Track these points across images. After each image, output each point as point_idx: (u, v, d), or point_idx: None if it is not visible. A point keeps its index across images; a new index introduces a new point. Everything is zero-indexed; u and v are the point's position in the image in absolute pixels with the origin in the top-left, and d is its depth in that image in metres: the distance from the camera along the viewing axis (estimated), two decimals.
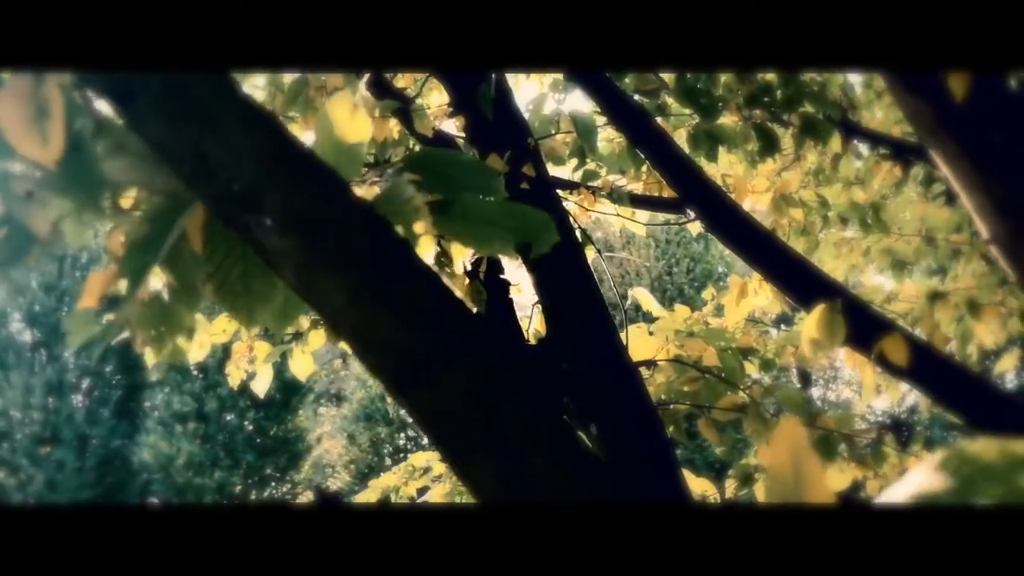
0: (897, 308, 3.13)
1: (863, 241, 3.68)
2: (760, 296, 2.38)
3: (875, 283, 4.08)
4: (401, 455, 12.85)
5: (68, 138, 0.72)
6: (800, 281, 1.90)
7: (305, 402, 14.50)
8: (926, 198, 3.60)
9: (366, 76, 2.28)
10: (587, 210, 2.56)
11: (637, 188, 3.01)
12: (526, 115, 2.67)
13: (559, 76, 2.73)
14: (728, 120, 2.77)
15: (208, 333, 2.29)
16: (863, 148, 3.82)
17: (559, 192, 2.59)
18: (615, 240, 14.47)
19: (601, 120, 2.61)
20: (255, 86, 3.08)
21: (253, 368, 2.41)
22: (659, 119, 2.82)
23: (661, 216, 3.06)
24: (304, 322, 2.29)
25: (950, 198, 3.42)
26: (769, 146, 2.72)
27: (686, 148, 2.71)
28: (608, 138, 3.15)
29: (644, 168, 2.95)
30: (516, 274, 2.43)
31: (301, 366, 2.37)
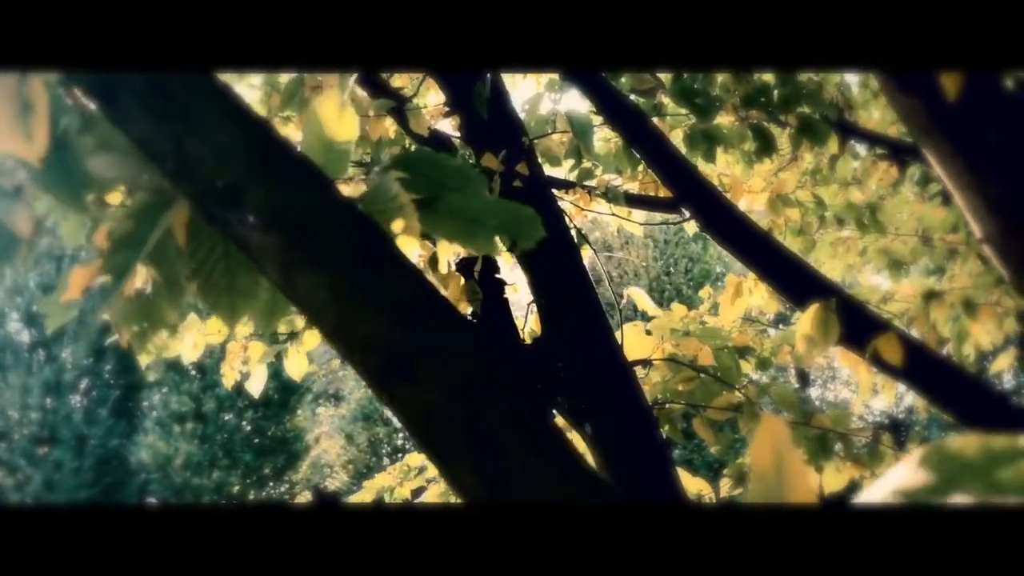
0: (893, 308, 3.13)
1: (860, 241, 3.68)
2: (755, 295, 2.38)
3: (872, 283, 4.09)
4: (399, 455, 12.85)
5: (53, 135, 0.72)
6: (795, 281, 1.90)
7: (303, 402, 14.50)
8: (923, 198, 3.60)
9: (354, 75, 2.28)
10: (583, 210, 2.56)
11: (633, 188, 3.01)
12: (522, 115, 2.67)
13: (555, 76, 2.73)
14: (725, 120, 2.77)
15: (203, 333, 2.28)
16: (860, 148, 3.82)
17: (555, 192, 2.59)
18: (613, 240, 14.47)
19: (598, 120, 2.61)
20: (251, 85, 3.08)
21: (248, 368, 2.41)
22: (655, 119, 2.82)
23: (658, 216, 3.06)
24: (299, 322, 2.29)
25: (946, 198, 3.42)
26: (766, 146, 2.72)
27: (682, 148, 2.71)
28: (605, 138, 3.15)
29: (640, 168, 2.95)
30: (512, 274, 2.44)
31: (296, 366, 2.36)
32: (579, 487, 0.52)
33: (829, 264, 3.93)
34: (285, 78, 2.71)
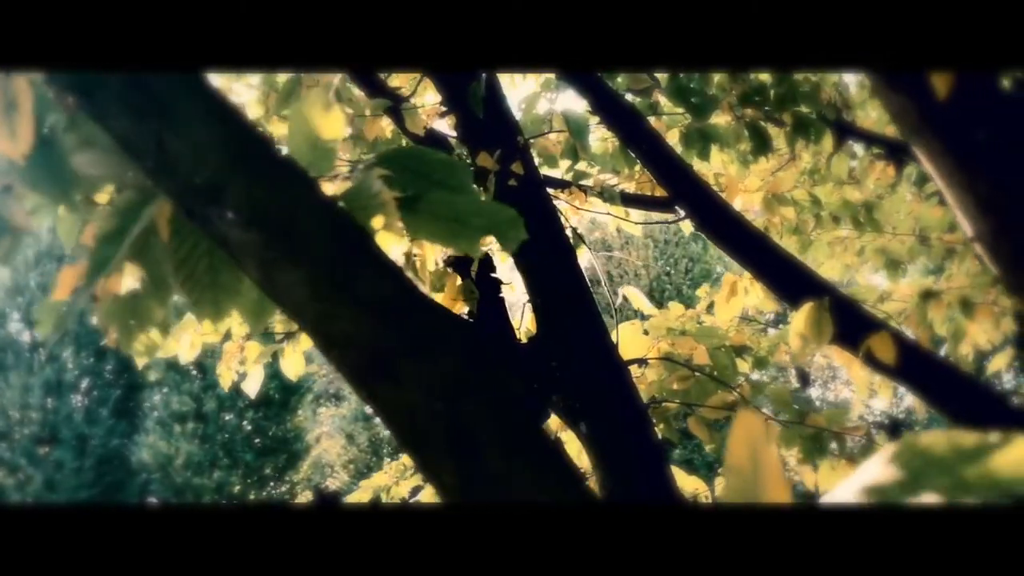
0: (890, 308, 3.13)
1: (857, 241, 3.68)
2: (751, 295, 2.38)
3: (870, 282, 4.09)
4: (399, 455, 12.85)
5: (39, 133, 0.72)
6: (789, 280, 1.90)
7: (304, 402, 14.50)
8: (920, 197, 3.60)
9: (340, 74, 2.28)
10: (578, 209, 2.56)
11: (630, 187, 3.01)
12: (519, 114, 2.67)
13: (551, 75, 2.73)
14: (721, 119, 2.77)
15: (200, 333, 2.29)
16: (858, 148, 3.82)
17: (551, 191, 2.59)
18: (613, 240, 14.47)
19: (594, 119, 2.62)
20: (250, 85, 3.08)
21: (244, 369, 2.41)
22: (652, 118, 2.82)
23: (655, 216, 3.06)
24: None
25: (943, 197, 3.41)
26: (762, 145, 2.72)
27: (678, 147, 2.71)
28: (602, 137, 3.15)
29: (637, 167, 2.95)
30: (510, 273, 2.44)
31: (292, 366, 2.37)
32: (558, 486, 0.52)
33: (827, 264, 3.92)
34: (283, 78, 2.71)
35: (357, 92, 2.60)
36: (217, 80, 3.17)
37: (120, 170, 0.66)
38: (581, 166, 2.74)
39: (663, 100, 2.77)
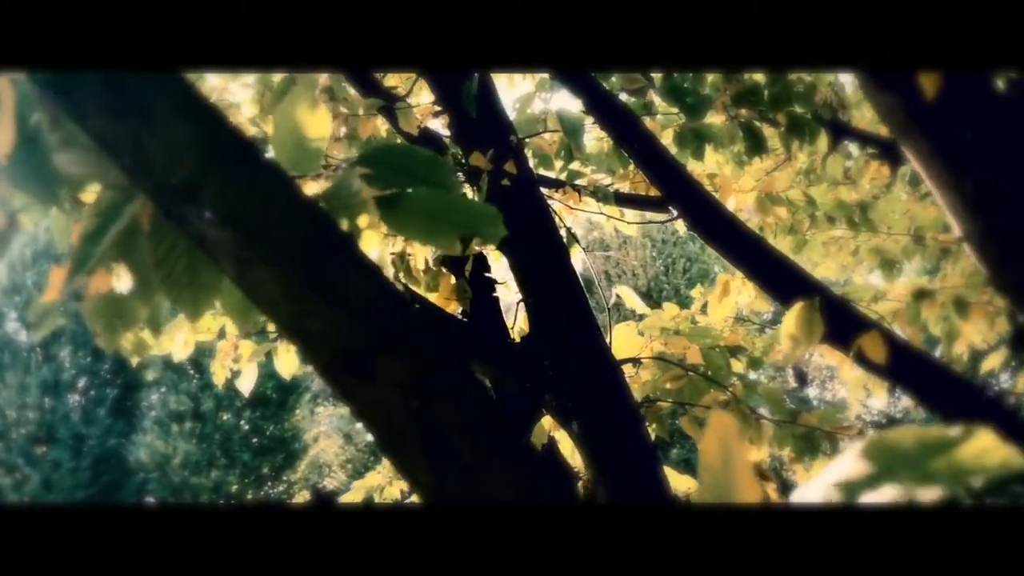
0: (885, 307, 3.14)
1: (852, 241, 3.69)
2: (744, 294, 2.39)
3: (866, 282, 4.09)
4: None
5: (23, 132, 0.73)
6: (781, 279, 1.91)
7: (301, 401, 14.50)
8: (914, 197, 3.60)
9: (334, 73, 2.28)
10: (572, 209, 2.56)
11: (624, 187, 3.02)
12: (513, 114, 2.68)
13: (545, 75, 2.73)
14: (716, 119, 2.77)
15: (193, 331, 2.29)
16: (854, 148, 3.83)
17: (545, 191, 2.59)
18: (611, 240, 14.47)
19: (590, 119, 2.62)
20: (246, 84, 3.08)
21: (238, 367, 2.41)
22: (646, 118, 2.83)
23: (648, 216, 3.06)
24: None
25: None
26: (756, 145, 2.73)
27: (673, 147, 2.71)
28: (598, 137, 3.15)
29: (631, 167, 2.96)
30: (507, 272, 2.44)
31: (286, 364, 2.37)
32: (532, 485, 0.52)
33: (823, 264, 3.93)
34: (278, 77, 2.71)
35: (352, 91, 2.60)
36: (213, 79, 3.18)
37: (102, 169, 0.67)
38: (575, 166, 2.74)
39: (657, 100, 2.78)
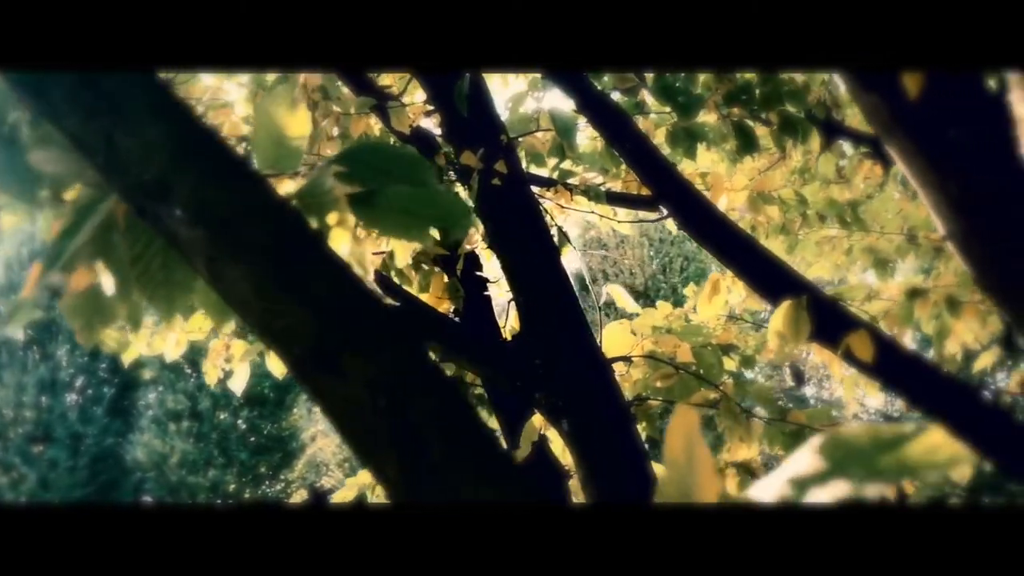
0: (878, 306, 3.14)
1: (845, 240, 3.69)
2: (735, 293, 2.39)
3: (862, 281, 4.09)
4: None
5: (1, 131, 0.73)
6: (770, 278, 1.91)
7: (299, 400, 14.50)
8: (907, 196, 3.61)
9: (304, 72, 2.29)
10: (563, 208, 2.57)
11: (617, 186, 3.02)
12: (506, 113, 2.68)
13: (538, 75, 2.73)
14: (709, 119, 2.78)
15: (184, 331, 2.29)
16: (848, 147, 3.83)
17: (537, 190, 2.60)
18: (608, 239, 14.48)
19: (582, 118, 2.62)
20: (240, 84, 3.08)
21: (231, 366, 2.42)
22: (639, 117, 2.83)
23: (640, 214, 3.07)
24: None
25: None
26: (748, 145, 2.73)
27: (666, 146, 2.72)
28: (591, 136, 3.16)
29: (624, 166, 2.96)
30: (497, 271, 2.44)
31: (278, 364, 2.37)
32: (500, 484, 0.52)
33: (816, 263, 3.93)
34: (272, 77, 2.72)
35: (346, 90, 2.60)
36: (208, 79, 3.18)
37: (79, 167, 0.67)
38: (567, 164, 2.75)
39: (650, 99, 2.78)
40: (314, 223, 0.62)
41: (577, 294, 2.20)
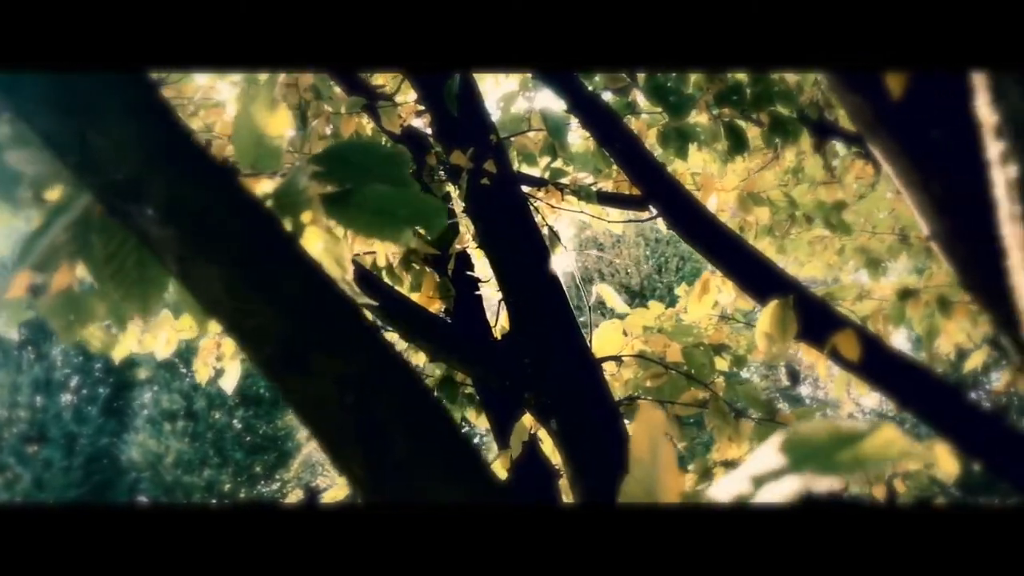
0: (870, 306, 3.15)
1: (838, 240, 3.70)
2: (725, 292, 2.40)
3: (853, 281, 4.10)
4: None
5: None
6: (758, 278, 1.92)
7: None
8: (899, 196, 3.62)
9: (283, 72, 2.29)
10: (554, 208, 2.57)
11: (609, 186, 3.03)
12: (497, 112, 2.68)
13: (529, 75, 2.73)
14: (701, 118, 2.78)
15: (175, 329, 2.29)
16: (840, 148, 3.84)
17: (528, 190, 2.60)
18: (604, 239, 14.49)
19: (574, 118, 2.63)
20: (233, 83, 3.08)
21: (221, 365, 2.42)
22: (631, 117, 2.84)
23: (631, 214, 3.07)
24: None
25: None
26: (738, 145, 2.73)
27: (657, 146, 2.72)
28: (584, 135, 3.16)
29: (615, 166, 2.97)
30: (489, 271, 2.44)
31: None
32: (466, 482, 0.53)
33: (809, 263, 3.94)
34: (264, 76, 2.71)
35: (338, 90, 2.60)
36: (201, 78, 3.18)
37: (58, 166, 0.67)
38: (558, 164, 2.75)
39: (641, 99, 2.78)
40: (289, 223, 0.63)
41: (569, 294, 2.20)
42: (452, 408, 2.43)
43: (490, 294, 2.49)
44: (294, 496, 13.53)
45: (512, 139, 2.72)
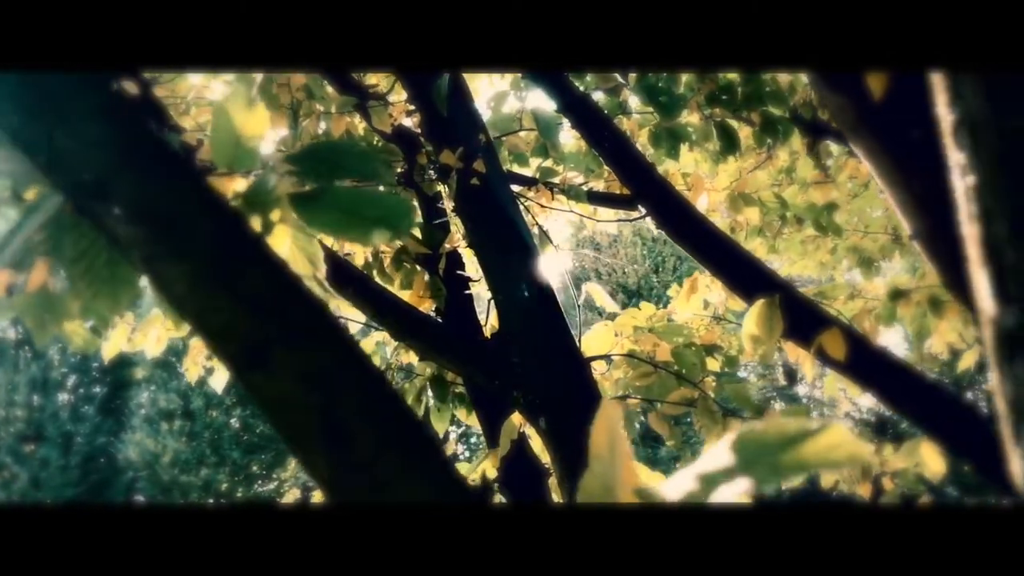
0: (859, 306, 3.15)
1: (830, 239, 3.71)
2: (714, 292, 2.40)
3: (847, 280, 4.11)
4: None
5: None
6: (746, 277, 1.92)
7: None
8: None
9: (262, 71, 2.29)
10: (544, 207, 2.58)
11: (600, 186, 3.03)
12: (488, 112, 2.69)
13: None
14: (692, 119, 2.79)
15: (165, 327, 2.29)
16: (835, 147, 3.85)
17: (518, 189, 2.61)
18: (600, 238, 14.50)
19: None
20: (227, 82, 3.08)
21: (212, 363, 2.42)
22: (622, 117, 2.84)
23: (621, 213, 3.08)
24: None
25: None
26: (730, 145, 2.74)
27: (648, 147, 2.73)
28: (576, 135, 3.17)
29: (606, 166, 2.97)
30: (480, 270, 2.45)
31: None
32: (430, 480, 0.53)
33: (801, 262, 3.95)
34: (259, 77, 2.72)
35: (330, 89, 2.61)
36: (195, 78, 3.18)
37: (27, 165, 0.68)
38: (549, 164, 2.76)
39: (633, 99, 2.79)
40: (257, 222, 0.63)
41: (563, 294, 2.21)
42: (442, 407, 2.43)
43: (481, 293, 2.49)
44: (291, 495, 13.52)
45: (503, 139, 2.73)
